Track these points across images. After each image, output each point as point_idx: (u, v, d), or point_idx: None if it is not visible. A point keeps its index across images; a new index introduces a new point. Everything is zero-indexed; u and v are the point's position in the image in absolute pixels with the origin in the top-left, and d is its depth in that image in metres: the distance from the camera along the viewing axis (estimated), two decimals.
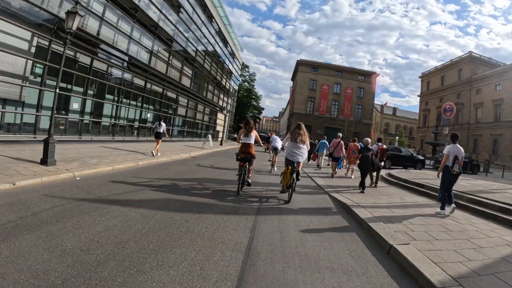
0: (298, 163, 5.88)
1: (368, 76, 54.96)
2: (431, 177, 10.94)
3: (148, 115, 18.01)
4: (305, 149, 5.89)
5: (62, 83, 12.70)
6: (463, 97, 49.89)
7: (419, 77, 65.31)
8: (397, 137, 32.43)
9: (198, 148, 17.55)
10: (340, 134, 12.31)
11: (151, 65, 17.25)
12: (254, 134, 6.24)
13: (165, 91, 20.03)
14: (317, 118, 51.97)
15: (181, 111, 23.84)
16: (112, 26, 14.08)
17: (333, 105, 53.18)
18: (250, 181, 6.45)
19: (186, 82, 23.21)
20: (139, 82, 17.05)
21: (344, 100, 53.08)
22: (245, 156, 5.97)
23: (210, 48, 28.27)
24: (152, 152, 10.74)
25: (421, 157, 19.12)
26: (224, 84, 35.97)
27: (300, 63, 53.99)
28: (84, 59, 12.98)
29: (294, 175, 5.64)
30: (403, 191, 8.25)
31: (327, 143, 14.36)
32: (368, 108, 54.83)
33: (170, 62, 20.58)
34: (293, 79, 63.93)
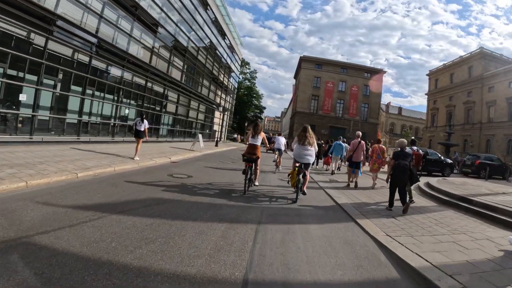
0: (307, 164, 6.08)
1: (374, 73, 52.07)
2: (486, 191, 8.17)
3: (127, 111, 15.19)
4: (312, 150, 6.11)
5: (12, 70, 10.09)
6: (474, 95, 47.16)
7: (427, 74, 62.12)
8: (412, 138, 28.97)
9: (186, 150, 14.82)
10: (360, 133, 9.53)
11: (130, 51, 14.53)
12: (261, 136, 6.57)
13: (149, 84, 17.31)
14: (321, 117, 49.11)
15: (171, 107, 21.09)
16: (75, 1, 11.38)
17: (338, 103, 50.30)
18: (257, 183, 6.87)
19: (176, 75, 20.50)
20: (115, 72, 14.35)
21: (349, 99, 50.20)
22: (250, 157, 6.24)
23: (205, 39, 25.49)
24: (134, 157, 9.23)
25: (449, 161, 16.24)
26: (221, 80, 33.18)
27: (303, 60, 51.15)
28: (39, 40, 10.32)
29: (301, 176, 5.90)
30: (468, 217, 5.49)
31: (344, 144, 11.63)
32: (374, 107, 51.95)
33: (157, 52, 17.90)
34: (295, 77, 61.11)
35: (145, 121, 9.52)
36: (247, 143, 6.60)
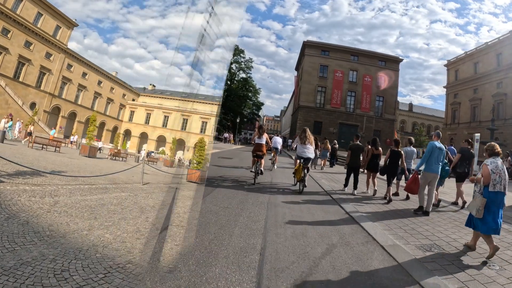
0: (308, 159, 7.21)
1: (390, 61, 44.43)
2: None
3: None
4: (312, 148, 7.40)
5: None
6: (505, 87, 40.36)
7: (445, 65, 54.99)
8: (477, 134, 19.87)
9: None
10: None
11: None
12: (265, 136, 8.29)
13: None
14: (329, 112, 41.44)
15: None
16: None
17: (348, 96, 42.60)
18: (262, 169, 8.35)
19: None
20: None
21: (362, 91, 42.55)
22: (259, 154, 7.91)
23: None
24: None
25: None
26: None
27: (307, 45, 43.43)
28: None
29: (305, 170, 7.07)
30: None
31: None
32: (390, 101, 44.32)
33: None
34: (297, 67, 53.40)
35: None
36: (253, 142, 8.37)
